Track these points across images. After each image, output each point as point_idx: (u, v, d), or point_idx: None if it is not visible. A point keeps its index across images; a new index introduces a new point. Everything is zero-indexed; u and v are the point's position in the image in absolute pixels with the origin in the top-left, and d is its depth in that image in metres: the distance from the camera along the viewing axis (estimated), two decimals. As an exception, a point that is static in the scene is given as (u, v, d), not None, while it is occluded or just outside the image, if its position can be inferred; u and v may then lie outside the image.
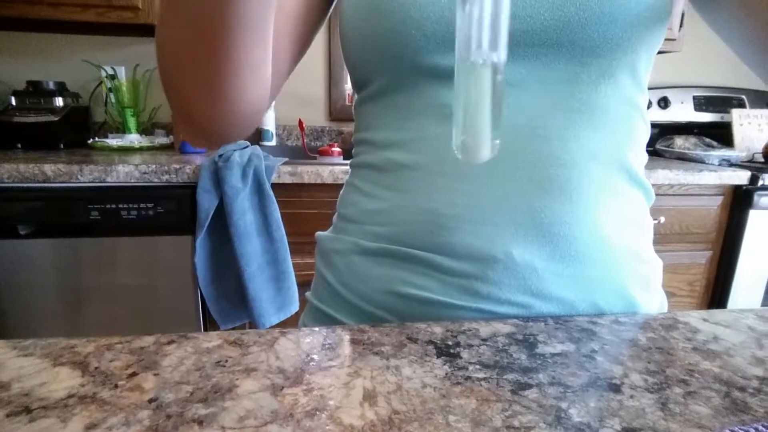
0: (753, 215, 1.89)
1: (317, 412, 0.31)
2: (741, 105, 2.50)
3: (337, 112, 2.17)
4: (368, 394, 0.33)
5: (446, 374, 0.35)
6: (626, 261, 0.50)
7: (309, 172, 1.51)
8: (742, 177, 1.84)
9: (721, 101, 2.47)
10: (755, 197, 1.86)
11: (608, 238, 0.48)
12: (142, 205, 1.46)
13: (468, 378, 0.35)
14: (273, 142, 2.05)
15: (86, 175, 1.40)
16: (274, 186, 1.50)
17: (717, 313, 0.48)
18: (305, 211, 1.58)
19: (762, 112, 2.41)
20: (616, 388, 0.35)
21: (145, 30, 1.78)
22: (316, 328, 0.43)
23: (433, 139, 0.48)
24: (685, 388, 0.35)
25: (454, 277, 0.47)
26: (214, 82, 0.38)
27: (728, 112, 2.38)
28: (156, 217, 1.47)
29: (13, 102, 1.72)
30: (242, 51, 0.36)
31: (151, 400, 0.31)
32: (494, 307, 0.46)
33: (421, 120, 0.49)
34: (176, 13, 0.34)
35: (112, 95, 1.87)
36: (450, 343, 0.40)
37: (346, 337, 0.41)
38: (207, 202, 1.43)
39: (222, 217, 1.46)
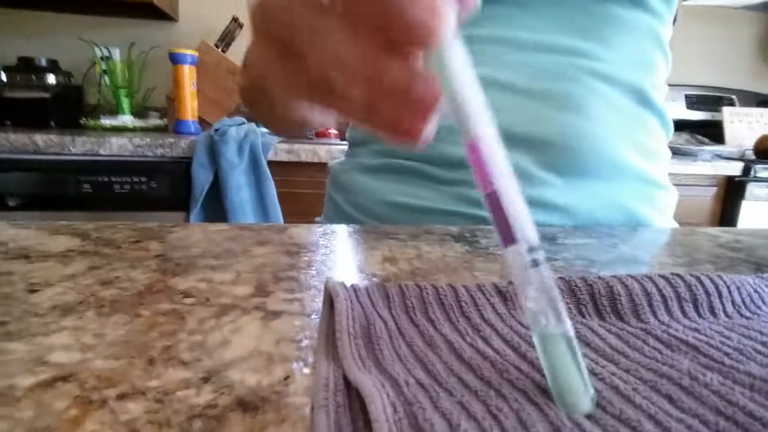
0: (745, 206, 1.91)
1: (335, 267, 0.29)
2: (731, 104, 2.54)
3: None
4: (388, 258, 0.31)
5: (467, 251, 0.34)
6: (632, 181, 0.49)
7: (306, 150, 1.50)
8: (735, 168, 1.86)
9: (712, 100, 2.50)
10: (748, 188, 1.87)
11: (613, 156, 0.47)
12: (135, 179, 1.43)
13: (490, 254, 0.34)
14: (268, 128, 2.03)
15: (78, 147, 1.37)
16: (270, 164, 1.48)
17: (736, 228, 0.47)
18: (301, 190, 1.56)
19: (752, 111, 2.45)
20: (644, 264, 0.33)
21: (141, 10, 1.77)
22: (327, 225, 0.41)
23: None
24: (715, 265, 0.34)
25: (447, 185, 0.47)
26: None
27: (719, 111, 2.42)
28: (150, 192, 1.44)
29: (4, 77, 1.68)
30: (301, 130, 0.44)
31: (158, 255, 0.29)
32: (485, 212, 0.46)
33: None
34: (253, 96, 0.42)
35: (106, 77, 1.85)
36: (467, 235, 0.39)
37: (357, 228, 0.39)
38: (202, 177, 1.41)
39: (217, 194, 1.43)
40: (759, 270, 0.33)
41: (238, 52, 1.88)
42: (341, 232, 0.37)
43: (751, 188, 1.95)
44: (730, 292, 0.22)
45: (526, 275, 0.15)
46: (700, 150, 2.18)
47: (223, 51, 1.82)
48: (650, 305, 0.21)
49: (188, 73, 1.66)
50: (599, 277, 0.22)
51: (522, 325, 0.20)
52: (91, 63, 1.97)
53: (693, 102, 2.55)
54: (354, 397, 0.14)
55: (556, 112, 0.45)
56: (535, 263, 0.15)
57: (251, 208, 1.50)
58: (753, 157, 2.20)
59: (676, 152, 2.24)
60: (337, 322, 0.17)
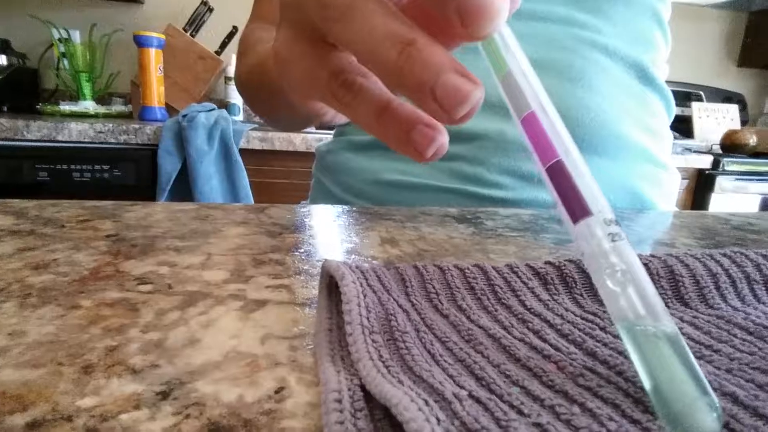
0: (715, 199, 1.95)
1: (326, 249, 0.24)
2: (699, 99, 2.60)
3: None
4: (387, 239, 0.27)
5: (474, 232, 0.30)
6: (636, 159, 0.46)
7: (280, 138, 1.43)
8: (705, 161, 1.90)
9: (681, 96, 2.55)
10: (717, 181, 1.91)
11: (617, 131, 0.44)
12: (96, 167, 1.34)
13: (501, 235, 0.30)
14: (240, 117, 1.95)
15: (33, 133, 1.27)
16: (242, 152, 1.41)
17: (740, 212, 0.45)
18: (276, 180, 1.50)
19: (719, 107, 2.52)
20: (667, 245, 0.30)
21: (103, -11, 1.66)
22: (313, 205, 0.36)
23: None
24: (744, 247, 0.31)
25: (441, 160, 0.43)
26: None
27: (688, 106, 2.47)
28: (112, 180, 1.35)
29: (-52, 57, 1.56)
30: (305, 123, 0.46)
31: (110, 236, 0.24)
32: (481, 189, 0.42)
33: None
34: (259, 105, 0.44)
35: (65, 60, 1.73)
36: (469, 216, 0.35)
37: (347, 208, 0.35)
38: (169, 165, 1.33)
39: (185, 183, 1.36)
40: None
41: (207, 37, 1.79)
42: (329, 212, 0.33)
43: (720, 181, 2.00)
44: (803, 272, 0.18)
45: (607, 251, 0.11)
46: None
47: (192, 36, 1.74)
48: (718, 288, 0.17)
49: (154, 57, 1.57)
50: (653, 256, 0.18)
51: (571, 311, 0.16)
52: (47, 45, 1.84)
53: (664, 97, 2.59)
54: (379, 418, 0.10)
55: (558, 82, 0.43)
56: (618, 237, 0.12)
57: (222, 198, 1.44)
58: (720, 151, 2.26)
59: (649, 146, 2.27)
60: (346, 313, 0.13)
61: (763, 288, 0.18)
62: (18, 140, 1.31)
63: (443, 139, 0.15)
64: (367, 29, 0.14)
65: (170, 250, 0.22)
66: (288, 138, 1.49)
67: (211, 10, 1.77)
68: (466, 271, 0.17)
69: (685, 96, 2.60)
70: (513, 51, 0.14)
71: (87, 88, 1.81)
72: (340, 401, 0.10)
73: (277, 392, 0.12)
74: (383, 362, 0.11)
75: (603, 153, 0.44)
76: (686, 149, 2.18)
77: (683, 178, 1.96)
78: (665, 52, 0.52)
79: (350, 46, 0.14)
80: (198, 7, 1.76)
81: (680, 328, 0.15)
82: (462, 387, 0.11)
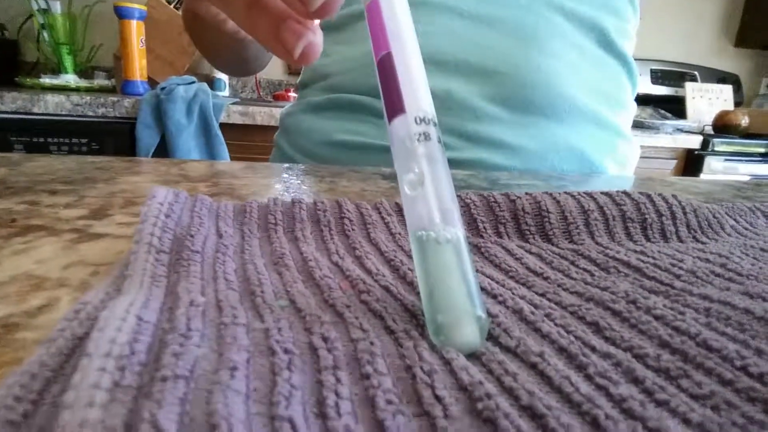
0: (703, 179, 1.94)
1: (213, 197, 0.23)
2: (693, 80, 2.56)
3: (296, 66, 2.06)
4: (288, 191, 0.26)
5: (392, 186, 0.29)
6: (586, 122, 0.44)
7: (262, 113, 1.41)
8: (694, 141, 1.88)
9: (675, 76, 2.52)
10: (705, 161, 1.90)
11: (566, 93, 0.43)
12: (74, 140, 1.32)
13: (418, 190, 0.29)
14: (226, 92, 1.92)
15: (8, 104, 1.25)
16: (222, 126, 1.39)
17: (694, 177, 0.44)
18: (257, 155, 1.48)
19: (712, 87, 2.48)
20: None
21: (81, -43, 1.62)
22: (236, 162, 0.35)
23: None
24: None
25: None
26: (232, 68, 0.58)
27: (682, 87, 2.44)
28: (90, 154, 1.33)
29: (-76, 28, 1.52)
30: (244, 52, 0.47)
31: (-8, 180, 0.23)
32: None
33: None
34: (196, 35, 0.46)
35: (45, 32, 1.69)
36: (399, 175, 0.34)
37: (275, 165, 0.34)
38: (147, 138, 1.31)
39: (164, 157, 1.34)
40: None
41: (191, 8, 1.76)
42: (250, 168, 0.32)
43: (709, 161, 1.98)
44: (685, 213, 0.18)
45: (411, 151, 0.10)
46: (662, 124, 2.19)
47: (175, 8, 1.70)
48: (587, 225, 0.16)
49: (136, 29, 1.54)
50: (527, 193, 0.17)
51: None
52: (27, 15, 1.81)
53: (658, 77, 2.56)
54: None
55: (507, 40, 0.41)
56: (426, 137, 0.11)
57: (202, 173, 1.41)
58: (712, 132, 2.24)
59: (640, 126, 2.26)
60: (137, 232, 0.12)
61: (639, 227, 0.17)
62: (-8, 111, 1.29)
63: (314, 38, 0.14)
64: None
65: (44, 192, 0.21)
66: (269, 112, 1.47)
67: (192, -20, 1.72)
68: (318, 204, 0.16)
69: (679, 76, 2.57)
70: None
71: (68, 61, 1.77)
72: (78, 311, 0.09)
73: (39, 309, 0.11)
74: (153, 278, 0.11)
75: (551, 114, 0.42)
76: (677, 129, 2.16)
77: (671, 159, 1.95)
78: (634, 24, 0.50)
79: None
80: (180, -23, 1.72)
81: (520, 258, 0.14)
82: (217, 297, 0.10)
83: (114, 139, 1.37)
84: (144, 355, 0.07)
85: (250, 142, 1.51)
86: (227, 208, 0.15)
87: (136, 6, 1.52)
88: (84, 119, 1.37)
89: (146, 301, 0.09)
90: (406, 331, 0.09)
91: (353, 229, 0.15)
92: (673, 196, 0.18)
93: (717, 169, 1.97)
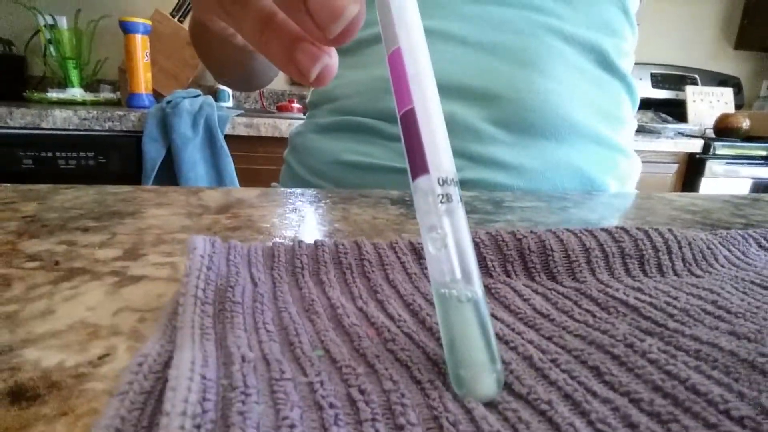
0: (705, 183, 1.94)
1: (237, 230, 0.25)
2: (694, 83, 2.58)
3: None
4: (305, 221, 0.27)
5: (401, 213, 0.30)
6: (586, 142, 0.46)
7: (266, 125, 1.43)
8: (695, 145, 1.89)
9: (676, 79, 2.53)
10: (707, 165, 1.91)
11: (567, 115, 0.44)
12: (81, 154, 1.34)
13: (426, 216, 0.30)
14: (229, 104, 1.94)
15: (17, 120, 1.27)
16: (227, 138, 1.41)
17: (693, 193, 0.45)
18: (261, 166, 1.50)
19: (713, 90, 2.49)
20: (592, 226, 0.30)
21: (87, -26, 1.64)
22: (253, 188, 0.36)
23: None
24: (670, 225, 0.31)
25: (396, 141, 0.44)
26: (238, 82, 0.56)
27: (683, 90, 2.45)
28: (97, 168, 1.35)
29: (-66, 45, 1.55)
30: (251, 66, 0.47)
31: (26, 217, 0.24)
32: None
33: None
34: (203, 48, 0.46)
35: (51, 47, 1.72)
36: (407, 198, 0.35)
37: (290, 191, 0.35)
38: (153, 152, 1.33)
39: (170, 169, 1.36)
40: (713, 231, 0.30)
41: (194, 21, 1.78)
42: (266, 195, 0.33)
43: (710, 165, 1.99)
44: (680, 247, 0.19)
45: (434, 212, 0.12)
46: (663, 128, 2.20)
47: (179, 21, 1.73)
48: (588, 262, 0.18)
49: (141, 43, 1.56)
50: (532, 232, 0.19)
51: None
52: (33, 31, 1.83)
53: (658, 80, 2.57)
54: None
55: (508, 65, 0.43)
56: (448, 199, 0.12)
57: (207, 185, 1.43)
58: (713, 135, 2.25)
59: (641, 130, 2.26)
60: (183, 285, 0.13)
61: (637, 263, 0.18)
62: (1, 128, 1.31)
63: (330, 60, 0.14)
64: None
65: (77, 230, 0.22)
66: (273, 124, 1.49)
67: (196, -6, 1.75)
68: (340, 246, 0.17)
69: (679, 79, 2.58)
70: None
71: (74, 75, 1.80)
72: (141, 364, 0.11)
73: (100, 358, 0.12)
74: (201, 330, 0.12)
75: (552, 135, 0.44)
76: (678, 133, 2.17)
77: (673, 162, 1.96)
78: (632, 42, 0.52)
79: None
80: (184, -9, 1.74)
81: (527, 299, 0.15)
82: (262, 350, 0.11)
83: (120, 152, 1.39)
84: (213, 413, 0.09)
85: (254, 153, 1.53)
86: (257, 253, 0.16)
87: (140, 20, 1.54)
88: (91, 133, 1.39)
89: (204, 358, 0.10)
90: (430, 381, 0.11)
91: (373, 271, 0.16)
92: (669, 230, 0.20)
93: (718, 173, 1.98)
